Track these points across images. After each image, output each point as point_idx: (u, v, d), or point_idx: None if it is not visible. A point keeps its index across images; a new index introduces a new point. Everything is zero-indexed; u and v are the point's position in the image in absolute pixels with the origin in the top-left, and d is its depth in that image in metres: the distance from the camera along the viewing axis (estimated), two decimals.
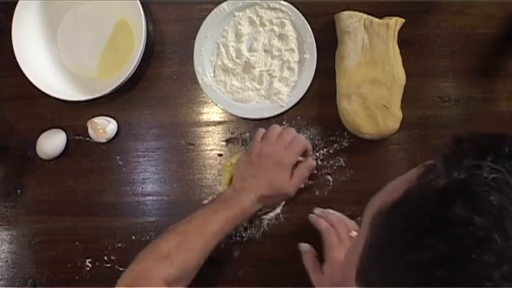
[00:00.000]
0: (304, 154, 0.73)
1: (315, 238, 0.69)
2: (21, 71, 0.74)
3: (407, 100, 0.75)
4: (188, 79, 0.79)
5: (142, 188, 0.78)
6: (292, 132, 0.72)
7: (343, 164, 0.76)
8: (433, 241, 0.29)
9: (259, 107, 0.77)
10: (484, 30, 0.78)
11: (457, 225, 0.29)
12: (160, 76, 0.79)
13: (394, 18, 0.73)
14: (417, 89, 0.76)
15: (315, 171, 0.76)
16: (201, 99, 0.79)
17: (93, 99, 0.74)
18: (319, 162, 0.76)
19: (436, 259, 0.29)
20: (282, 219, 0.75)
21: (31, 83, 0.73)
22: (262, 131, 0.72)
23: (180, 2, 0.80)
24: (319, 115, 0.77)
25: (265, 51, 0.78)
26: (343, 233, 0.68)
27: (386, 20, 0.73)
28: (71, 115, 0.79)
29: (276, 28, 0.78)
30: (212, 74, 0.79)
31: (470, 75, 0.78)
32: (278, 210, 0.76)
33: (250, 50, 0.78)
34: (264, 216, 0.76)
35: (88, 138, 0.78)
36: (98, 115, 0.78)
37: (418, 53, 0.77)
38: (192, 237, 0.63)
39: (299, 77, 0.77)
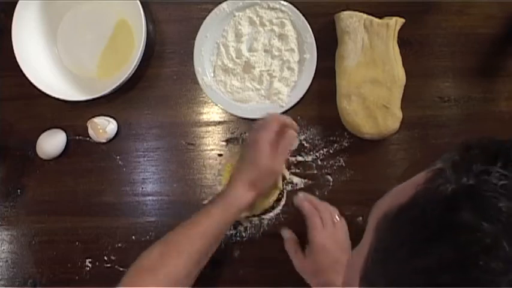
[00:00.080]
0: (284, 130, 0.70)
1: None
2: (21, 71, 0.74)
3: (407, 100, 0.75)
4: (188, 79, 0.79)
5: (142, 188, 0.78)
6: (268, 115, 0.70)
7: (343, 164, 0.76)
8: (440, 247, 0.29)
9: (259, 107, 0.77)
10: (484, 30, 0.78)
11: (465, 231, 0.28)
12: (160, 76, 0.79)
13: (394, 18, 0.73)
14: (417, 89, 0.76)
15: (315, 171, 0.76)
16: (201, 99, 0.79)
17: (93, 99, 0.74)
18: (319, 162, 0.76)
19: (443, 265, 0.28)
20: (282, 219, 0.75)
21: (31, 83, 0.73)
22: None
23: (180, 2, 0.80)
24: (319, 115, 0.77)
25: (265, 51, 0.78)
26: (326, 217, 0.69)
27: (386, 20, 0.73)
28: (71, 115, 0.79)
29: (276, 28, 0.78)
30: (212, 74, 0.79)
31: (470, 75, 0.78)
32: (278, 210, 0.76)
33: (250, 50, 0.78)
34: (264, 216, 0.76)
35: (88, 138, 0.78)
36: (98, 115, 0.78)
37: (418, 53, 0.77)
38: (178, 243, 0.61)
39: (299, 77, 0.77)
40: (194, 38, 0.78)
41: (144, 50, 0.74)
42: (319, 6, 0.78)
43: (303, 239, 0.71)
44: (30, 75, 0.74)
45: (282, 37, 0.78)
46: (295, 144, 0.71)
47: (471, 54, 0.78)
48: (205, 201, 0.76)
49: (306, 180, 0.76)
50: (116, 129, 0.77)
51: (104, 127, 0.76)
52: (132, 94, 0.79)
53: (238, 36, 0.79)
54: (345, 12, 0.74)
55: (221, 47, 0.79)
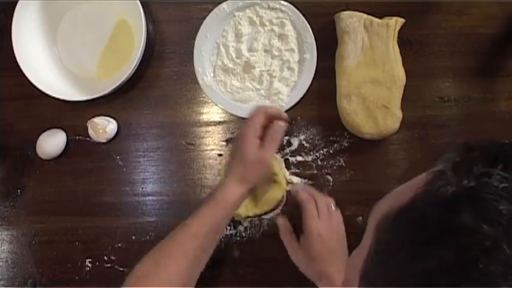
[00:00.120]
0: (273, 120, 0.68)
1: None
2: (21, 71, 0.74)
3: (407, 100, 0.75)
4: (188, 79, 0.79)
5: (142, 188, 0.78)
6: (254, 108, 0.69)
7: (343, 164, 0.76)
8: (440, 249, 0.29)
9: None
10: (484, 30, 0.78)
11: (465, 233, 0.28)
12: (160, 76, 0.79)
13: (394, 18, 0.73)
14: (417, 89, 0.76)
15: (315, 171, 0.76)
16: (201, 99, 0.79)
17: (93, 99, 0.74)
18: (319, 162, 0.76)
19: (443, 267, 0.28)
20: None
21: (31, 83, 0.73)
22: None
23: (180, 2, 0.80)
24: (319, 115, 0.77)
25: (265, 51, 0.78)
26: (322, 207, 0.70)
27: (386, 20, 0.73)
28: (71, 115, 0.79)
29: (276, 28, 0.78)
30: (212, 74, 0.79)
31: (470, 75, 0.78)
32: (278, 210, 0.76)
33: (250, 50, 0.78)
34: (264, 216, 0.76)
35: (88, 138, 0.78)
36: (98, 115, 0.78)
37: (418, 53, 0.77)
38: (170, 250, 0.60)
39: (299, 77, 0.77)
40: (194, 38, 0.78)
41: (144, 50, 0.74)
42: (319, 6, 0.78)
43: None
44: (30, 75, 0.74)
45: (282, 37, 0.78)
46: (282, 133, 0.68)
47: (471, 54, 0.78)
48: None
49: (306, 180, 0.76)
50: (115, 129, 0.77)
51: (104, 127, 0.76)
52: (132, 94, 0.79)
53: (238, 36, 0.79)
54: (345, 12, 0.74)
55: (221, 47, 0.79)
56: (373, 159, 0.76)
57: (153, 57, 0.79)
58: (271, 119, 0.66)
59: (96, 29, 0.80)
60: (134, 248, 0.76)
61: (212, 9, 0.78)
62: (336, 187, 0.76)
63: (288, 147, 0.77)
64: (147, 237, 0.76)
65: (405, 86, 0.74)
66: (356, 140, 0.76)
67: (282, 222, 0.73)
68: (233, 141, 0.77)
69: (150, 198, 0.78)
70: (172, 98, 0.79)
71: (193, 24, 0.78)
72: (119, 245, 0.77)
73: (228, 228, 0.76)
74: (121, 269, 0.76)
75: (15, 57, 0.74)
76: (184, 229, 0.61)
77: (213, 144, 0.78)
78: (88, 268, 0.76)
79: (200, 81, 0.78)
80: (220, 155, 0.78)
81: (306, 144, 0.77)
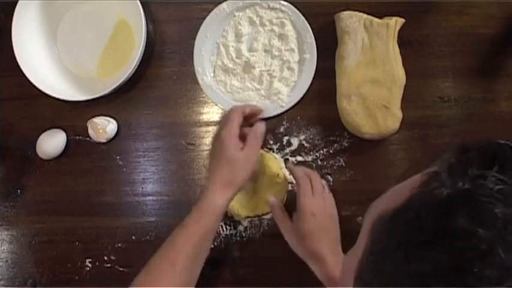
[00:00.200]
0: (248, 119, 0.69)
1: None
2: (21, 71, 0.74)
3: (407, 100, 0.75)
4: (188, 79, 0.79)
5: (142, 188, 0.78)
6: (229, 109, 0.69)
7: (343, 164, 0.76)
8: (435, 252, 0.28)
9: None
10: (484, 30, 0.78)
11: (460, 237, 0.28)
12: (160, 76, 0.79)
13: (394, 18, 0.73)
14: (417, 89, 0.76)
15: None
16: (201, 99, 0.79)
17: (93, 99, 0.74)
18: (319, 162, 0.76)
19: (438, 271, 0.28)
20: None
21: (31, 83, 0.73)
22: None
23: (180, 2, 0.80)
24: (319, 115, 0.77)
25: (265, 51, 0.78)
26: (317, 186, 0.69)
27: (386, 20, 0.73)
28: (71, 115, 0.79)
29: (276, 28, 0.78)
30: (212, 74, 0.79)
31: (470, 75, 0.78)
32: None
33: (250, 50, 0.78)
34: (264, 216, 0.76)
35: (88, 138, 0.78)
36: (98, 115, 0.78)
37: (418, 53, 0.77)
38: (159, 269, 0.60)
39: (299, 77, 0.77)
40: (194, 38, 0.78)
41: (144, 50, 0.74)
42: (319, 6, 0.78)
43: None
44: (30, 75, 0.74)
45: (282, 37, 0.78)
46: (263, 132, 0.68)
47: (471, 54, 0.78)
48: None
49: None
50: (115, 129, 0.77)
51: (104, 127, 0.76)
52: (132, 94, 0.79)
53: (238, 36, 0.79)
54: (345, 12, 0.74)
55: (221, 47, 0.79)
56: (373, 159, 0.76)
57: (153, 57, 0.79)
58: (246, 118, 0.67)
59: (96, 29, 0.80)
60: (134, 248, 0.76)
61: (212, 9, 0.78)
62: (336, 187, 0.76)
63: (288, 147, 0.77)
64: (147, 237, 0.76)
65: (405, 86, 0.74)
66: (356, 140, 0.76)
67: (274, 202, 0.71)
68: (211, 144, 0.72)
69: (150, 198, 0.78)
70: (172, 98, 0.79)
71: (193, 24, 0.78)
72: (119, 245, 0.77)
73: (228, 228, 0.76)
74: (121, 269, 0.76)
75: (15, 57, 0.74)
76: (171, 245, 0.61)
77: None
78: (88, 268, 0.76)
79: (200, 81, 0.78)
80: None
81: (306, 144, 0.77)
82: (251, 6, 0.78)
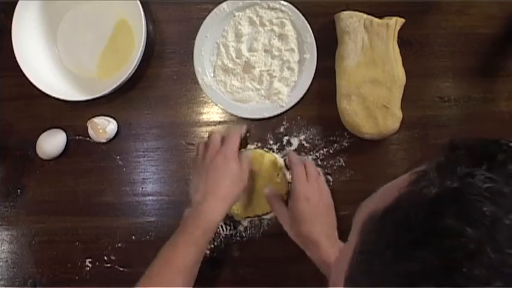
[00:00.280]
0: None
1: None
2: (21, 71, 0.74)
3: (407, 100, 0.75)
4: (188, 79, 0.79)
5: (142, 188, 0.78)
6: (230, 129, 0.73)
7: (343, 164, 0.76)
8: (423, 252, 0.28)
9: (259, 107, 0.77)
10: (484, 30, 0.78)
11: (448, 236, 0.28)
12: (160, 76, 0.79)
13: (394, 18, 0.73)
14: (417, 89, 0.76)
15: None
16: (201, 99, 0.79)
17: (93, 99, 0.74)
18: (319, 162, 0.76)
19: (427, 270, 0.28)
20: None
21: (31, 83, 0.73)
22: (201, 146, 0.72)
23: (180, 2, 0.80)
24: (319, 115, 0.77)
25: (265, 51, 0.78)
26: (312, 172, 0.71)
27: (386, 20, 0.73)
28: (71, 115, 0.79)
29: (276, 28, 0.78)
30: (212, 74, 0.79)
31: (470, 75, 0.78)
32: None
33: (250, 50, 0.78)
34: (264, 216, 0.76)
35: (88, 138, 0.78)
36: (98, 115, 0.78)
37: (418, 53, 0.77)
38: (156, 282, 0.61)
39: (299, 77, 0.77)
40: (194, 38, 0.78)
41: (144, 50, 0.74)
42: (319, 6, 0.78)
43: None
44: (30, 75, 0.74)
45: (282, 37, 0.78)
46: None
47: (471, 54, 0.78)
48: None
49: None
50: (116, 129, 0.77)
51: (104, 127, 0.76)
52: (132, 94, 0.79)
53: (238, 36, 0.79)
54: (345, 12, 0.74)
55: (221, 47, 0.79)
56: (373, 159, 0.76)
57: (153, 57, 0.79)
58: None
59: (96, 29, 0.80)
60: (134, 248, 0.76)
61: (212, 9, 0.78)
62: (336, 187, 0.76)
63: (288, 147, 0.77)
64: (147, 237, 0.76)
65: (405, 86, 0.74)
66: (356, 140, 0.76)
67: (270, 191, 0.73)
68: (198, 164, 0.71)
69: (150, 198, 0.78)
70: (172, 98, 0.79)
71: (193, 24, 0.78)
72: (119, 245, 0.77)
73: (228, 228, 0.76)
74: (121, 269, 0.76)
75: (15, 57, 0.74)
76: (171, 265, 0.62)
77: None
78: (88, 268, 0.77)
79: (200, 81, 0.78)
80: None
81: (306, 144, 0.77)
82: (251, 6, 0.78)
